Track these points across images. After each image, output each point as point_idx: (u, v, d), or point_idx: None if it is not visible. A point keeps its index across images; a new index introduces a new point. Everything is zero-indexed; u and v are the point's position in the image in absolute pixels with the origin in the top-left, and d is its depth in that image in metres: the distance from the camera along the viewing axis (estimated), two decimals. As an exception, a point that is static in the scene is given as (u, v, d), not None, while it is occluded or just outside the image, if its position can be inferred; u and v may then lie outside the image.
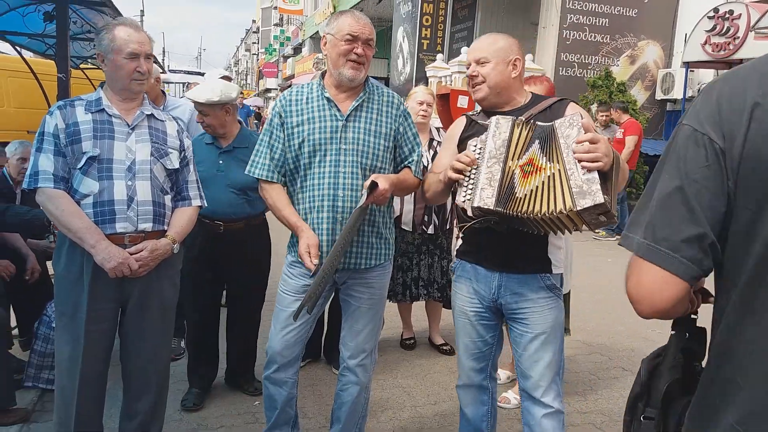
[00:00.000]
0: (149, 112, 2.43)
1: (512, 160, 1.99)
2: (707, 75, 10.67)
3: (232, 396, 3.41)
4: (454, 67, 10.69)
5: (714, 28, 9.09)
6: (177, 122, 2.55)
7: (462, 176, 2.05)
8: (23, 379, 3.20)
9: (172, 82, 20.64)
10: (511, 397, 3.37)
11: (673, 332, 1.32)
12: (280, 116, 2.43)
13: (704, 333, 1.30)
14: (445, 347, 4.13)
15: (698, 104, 1.10)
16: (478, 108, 2.38)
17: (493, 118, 2.07)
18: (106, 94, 2.37)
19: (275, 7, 34.47)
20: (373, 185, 2.23)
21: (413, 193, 3.41)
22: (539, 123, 2.03)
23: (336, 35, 2.34)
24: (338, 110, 2.39)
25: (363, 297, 2.50)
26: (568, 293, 3.40)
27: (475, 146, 2.09)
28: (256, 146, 2.49)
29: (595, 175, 1.80)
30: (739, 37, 8.75)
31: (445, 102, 8.50)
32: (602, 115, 8.58)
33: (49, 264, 3.44)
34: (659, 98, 11.31)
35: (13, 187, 3.76)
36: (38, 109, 5.22)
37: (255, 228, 3.26)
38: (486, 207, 1.95)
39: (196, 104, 3.13)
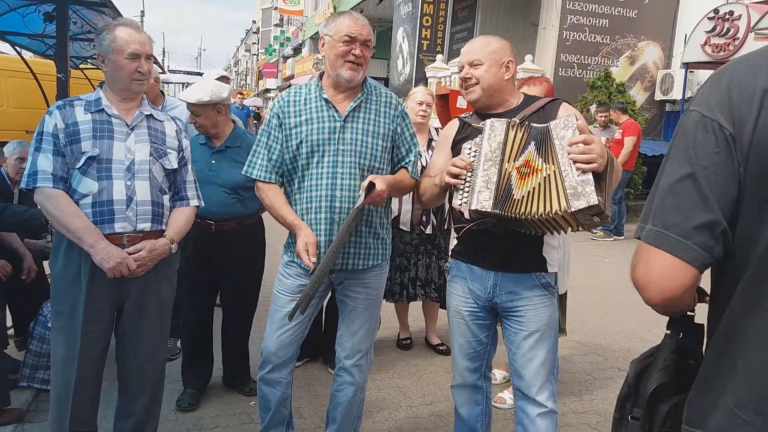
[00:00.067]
0: (148, 113, 2.44)
1: (508, 162, 2.00)
2: (707, 76, 10.59)
3: (227, 396, 3.41)
4: (453, 68, 10.69)
5: (714, 28, 9.10)
6: (175, 122, 2.56)
7: (459, 181, 2.05)
8: (18, 378, 3.20)
9: (172, 83, 20.68)
10: (506, 397, 3.38)
11: (668, 331, 1.32)
12: (278, 117, 2.43)
13: (702, 330, 1.30)
14: (441, 347, 4.14)
15: (706, 90, 1.09)
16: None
17: (488, 121, 2.08)
18: (106, 94, 2.37)
19: (275, 8, 34.48)
20: (371, 186, 2.24)
21: (412, 194, 3.41)
22: (534, 125, 2.03)
23: (334, 36, 2.35)
24: (336, 111, 2.40)
25: (359, 297, 2.51)
26: (565, 293, 3.41)
27: (470, 149, 2.10)
28: (254, 146, 2.50)
29: (590, 176, 1.82)
30: (739, 38, 8.75)
31: (445, 102, 8.51)
32: (601, 116, 8.58)
33: (45, 264, 3.45)
34: (658, 99, 11.31)
35: (10, 187, 3.77)
36: (37, 109, 5.23)
37: (248, 228, 3.26)
38: (483, 210, 1.96)
39: (188, 105, 3.13)
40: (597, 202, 1.78)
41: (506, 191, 1.97)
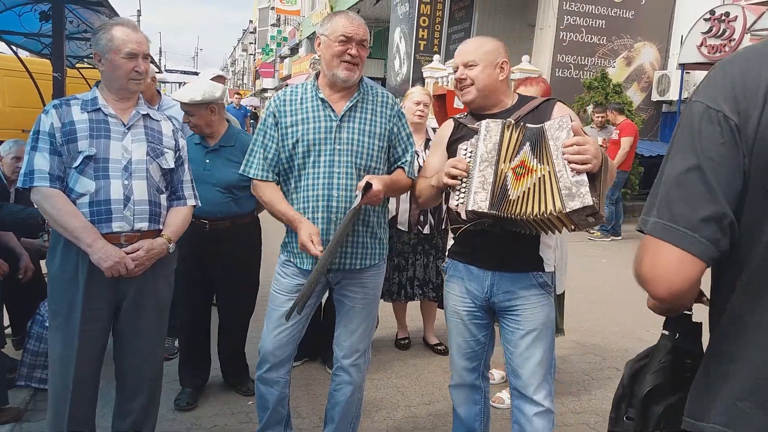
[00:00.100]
0: (145, 112, 2.44)
1: (504, 162, 2.01)
2: (703, 77, 10.69)
3: (225, 396, 3.40)
4: (450, 68, 10.69)
5: (710, 30, 9.13)
6: (172, 122, 2.56)
7: (457, 182, 2.06)
8: (16, 378, 3.19)
9: (169, 82, 20.66)
10: (504, 397, 3.38)
11: (664, 331, 1.32)
12: (274, 116, 2.43)
13: (699, 329, 1.31)
14: (439, 347, 4.14)
15: (710, 81, 1.08)
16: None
17: (483, 122, 2.08)
18: (102, 93, 2.37)
19: (272, 8, 34.47)
20: (367, 186, 2.24)
21: (409, 194, 3.42)
22: (529, 125, 2.04)
23: (330, 36, 2.35)
24: (332, 111, 2.40)
25: (357, 297, 2.51)
26: (563, 294, 3.41)
27: (466, 150, 2.10)
28: (250, 146, 2.50)
29: (584, 177, 1.83)
30: (735, 39, 8.78)
31: (442, 102, 8.51)
32: (598, 116, 8.60)
33: (42, 263, 3.44)
34: (655, 100, 11.34)
35: (7, 186, 3.75)
36: (34, 108, 5.21)
37: (242, 227, 3.24)
38: (480, 210, 1.97)
39: (182, 105, 3.13)
40: (592, 203, 1.80)
41: (502, 192, 1.98)
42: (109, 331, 2.42)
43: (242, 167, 2.49)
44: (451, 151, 2.26)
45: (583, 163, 1.83)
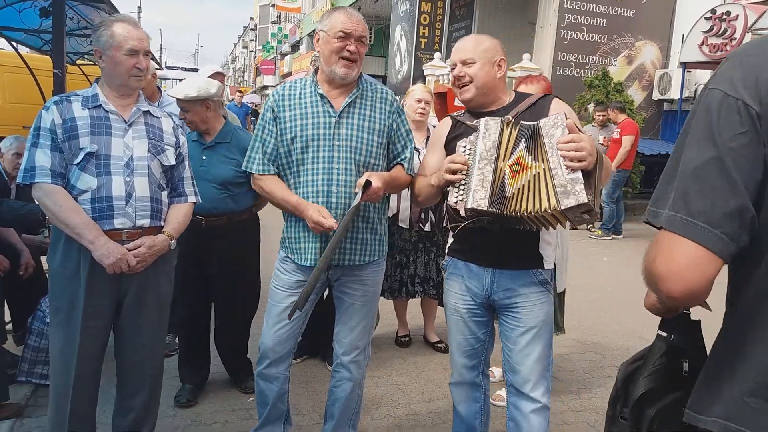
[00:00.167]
0: (145, 109, 2.43)
1: (503, 160, 2.01)
2: (704, 75, 10.69)
3: (226, 392, 3.41)
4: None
5: (711, 29, 9.12)
6: (172, 119, 2.55)
7: (458, 177, 2.05)
8: (17, 374, 3.20)
9: (169, 79, 20.63)
10: (504, 394, 3.37)
11: (659, 332, 1.32)
12: (273, 111, 2.43)
13: (698, 327, 1.30)
14: (440, 345, 4.14)
15: (728, 69, 1.03)
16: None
17: (482, 120, 2.08)
18: (103, 90, 2.36)
19: (273, 5, 34.43)
20: (367, 183, 2.24)
21: (410, 191, 3.42)
22: (524, 122, 2.04)
23: (329, 32, 2.34)
24: (331, 106, 2.39)
25: (356, 294, 2.51)
26: (564, 292, 3.42)
27: (465, 147, 2.10)
28: (251, 141, 2.50)
29: (579, 174, 1.84)
30: (736, 38, 8.77)
31: (443, 100, 8.52)
32: (599, 115, 8.60)
33: (43, 259, 3.44)
34: (656, 98, 11.34)
35: (8, 182, 3.76)
36: (34, 104, 5.21)
37: (239, 224, 3.22)
38: (480, 208, 1.97)
39: (177, 101, 3.12)
40: (586, 200, 1.80)
41: (501, 189, 1.98)
42: (110, 328, 2.42)
43: (244, 163, 2.50)
44: (450, 149, 2.26)
45: (578, 161, 1.84)
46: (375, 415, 3.23)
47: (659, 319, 1.34)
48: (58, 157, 2.23)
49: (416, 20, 14.17)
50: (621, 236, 8.51)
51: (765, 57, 0.99)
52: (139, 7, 40.15)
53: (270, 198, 2.49)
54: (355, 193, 2.29)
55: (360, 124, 2.41)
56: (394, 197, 3.73)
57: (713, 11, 9.11)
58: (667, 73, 11.05)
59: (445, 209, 3.84)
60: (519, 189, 1.93)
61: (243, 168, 2.51)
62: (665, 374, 1.25)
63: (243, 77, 63.86)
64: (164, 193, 2.45)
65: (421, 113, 3.85)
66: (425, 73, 11.96)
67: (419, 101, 3.85)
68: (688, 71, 10.34)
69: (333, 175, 2.36)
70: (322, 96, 2.40)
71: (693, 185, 0.99)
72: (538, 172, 1.91)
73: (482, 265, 2.25)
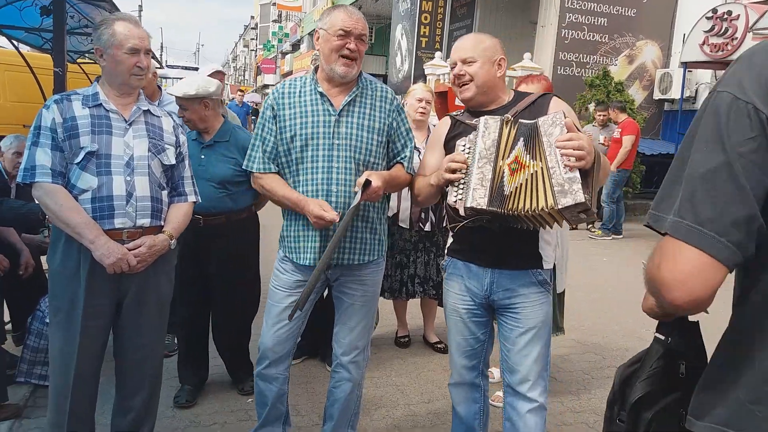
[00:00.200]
0: (146, 108, 2.43)
1: (502, 159, 2.00)
2: (705, 75, 10.69)
3: (225, 393, 3.40)
4: (453, 65, 10.67)
5: (712, 28, 9.10)
6: (172, 117, 2.55)
7: (458, 176, 2.05)
8: (15, 374, 3.19)
9: (170, 78, 20.61)
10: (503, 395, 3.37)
11: (656, 335, 1.31)
12: (273, 109, 2.43)
13: (696, 329, 1.30)
14: (439, 345, 4.14)
15: (737, 71, 1.00)
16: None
17: (482, 119, 2.07)
18: (103, 89, 2.36)
19: (274, 4, 34.39)
20: (367, 183, 2.24)
21: (410, 191, 3.41)
22: (523, 121, 2.04)
23: (328, 30, 2.34)
24: (331, 105, 2.39)
25: (356, 294, 2.50)
26: (563, 292, 3.41)
27: (464, 146, 2.10)
28: (252, 140, 2.50)
29: (577, 174, 1.83)
30: (737, 38, 8.76)
31: (443, 99, 8.51)
32: (600, 115, 8.59)
33: (43, 259, 3.43)
34: (657, 98, 11.33)
35: (8, 182, 3.75)
36: (34, 103, 5.20)
37: (237, 223, 3.21)
38: (479, 207, 1.97)
39: (176, 99, 3.12)
40: (583, 200, 1.80)
41: (500, 188, 1.98)
42: (110, 328, 2.42)
43: (245, 162, 2.50)
44: (449, 148, 2.26)
45: (576, 159, 1.84)
46: (374, 415, 3.23)
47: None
48: (58, 156, 2.23)
49: (417, 19, 14.16)
50: (621, 236, 8.50)
51: None
52: (140, 6, 40.08)
53: (271, 196, 2.48)
54: (355, 192, 2.29)
55: (360, 122, 2.40)
56: (394, 197, 3.72)
57: (714, 11, 9.10)
58: (668, 72, 11.03)
59: (444, 209, 3.87)
60: (517, 187, 1.93)
61: (244, 167, 2.51)
62: (662, 377, 1.25)
63: (244, 76, 63.83)
64: (164, 193, 2.44)
65: (422, 113, 3.84)
66: (426, 73, 11.94)
67: (420, 100, 3.85)
68: (689, 71, 10.33)
69: (332, 174, 2.35)
70: (321, 94, 2.40)
71: (700, 191, 0.96)
72: (536, 171, 1.91)
73: (482, 265, 2.24)
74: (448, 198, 2.09)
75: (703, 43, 9.29)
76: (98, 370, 2.42)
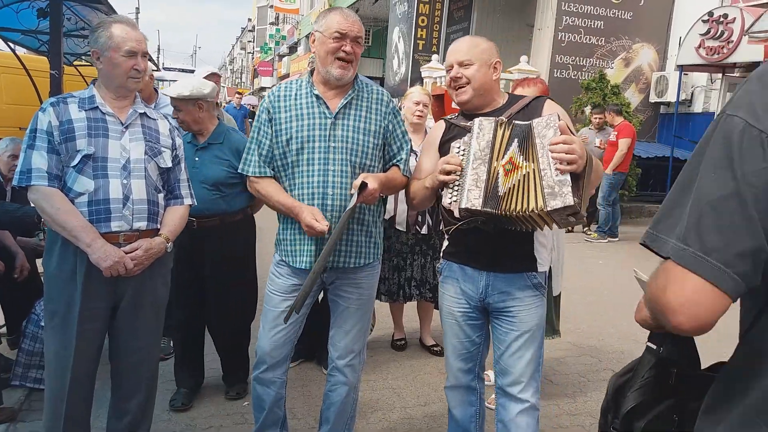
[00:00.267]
0: (142, 111, 2.43)
1: (496, 160, 2.01)
2: (701, 78, 10.74)
3: (221, 396, 3.39)
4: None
5: (708, 31, 9.13)
6: (168, 120, 2.55)
7: (453, 177, 2.05)
8: (10, 377, 3.18)
9: (166, 80, 20.59)
10: (500, 398, 3.37)
11: (648, 344, 1.31)
12: (269, 112, 2.43)
13: (689, 338, 1.30)
14: (435, 348, 4.14)
15: (751, 94, 0.96)
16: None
17: (476, 120, 2.08)
18: (99, 91, 2.35)
19: (271, 6, 34.43)
20: (363, 185, 2.24)
21: (405, 194, 3.42)
22: (517, 122, 2.05)
23: (324, 33, 2.34)
24: (327, 108, 2.39)
25: (352, 297, 2.50)
26: (559, 295, 3.42)
27: (459, 148, 2.10)
28: (247, 144, 2.49)
29: (567, 177, 1.84)
30: (733, 41, 8.79)
31: (440, 102, 8.52)
32: (596, 118, 8.61)
33: (38, 262, 3.43)
34: (653, 101, 11.38)
35: (3, 185, 3.74)
36: (30, 105, 5.20)
37: (231, 225, 3.20)
38: (474, 208, 1.97)
39: (171, 100, 3.12)
40: (573, 203, 1.81)
41: (494, 189, 1.99)
42: (106, 331, 2.41)
43: (240, 166, 2.49)
44: (443, 151, 2.26)
45: (567, 162, 1.84)
46: (370, 419, 3.22)
47: None
48: (54, 159, 2.22)
49: (414, 22, 14.17)
50: (617, 239, 8.52)
51: None
52: (137, 8, 40.06)
53: (265, 201, 2.48)
54: (351, 195, 2.29)
55: (356, 125, 2.40)
56: (390, 200, 3.73)
57: (710, 14, 9.13)
58: (664, 75, 11.08)
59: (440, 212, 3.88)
60: (510, 188, 1.94)
61: (239, 171, 2.51)
62: (654, 387, 1.24)
63: (240, 79, 63.81)
64: (161, 196, 2.44)
65: (419, 116, 3.85)
66: (423, 75, 11.97)
67: (417, 104, 3.85)
68: (685, 74, 10.36)
69: (328, 177, 2.35)
70: (317, 97, 2.40)
71: (708, 218, 0.94)
72: (528, 172, 1.92)
73: (477, 268, 2.25)
74: (443, 200, 2.10)
75: (699, 47, 9.32)
76: (94, 374, 2.41)
